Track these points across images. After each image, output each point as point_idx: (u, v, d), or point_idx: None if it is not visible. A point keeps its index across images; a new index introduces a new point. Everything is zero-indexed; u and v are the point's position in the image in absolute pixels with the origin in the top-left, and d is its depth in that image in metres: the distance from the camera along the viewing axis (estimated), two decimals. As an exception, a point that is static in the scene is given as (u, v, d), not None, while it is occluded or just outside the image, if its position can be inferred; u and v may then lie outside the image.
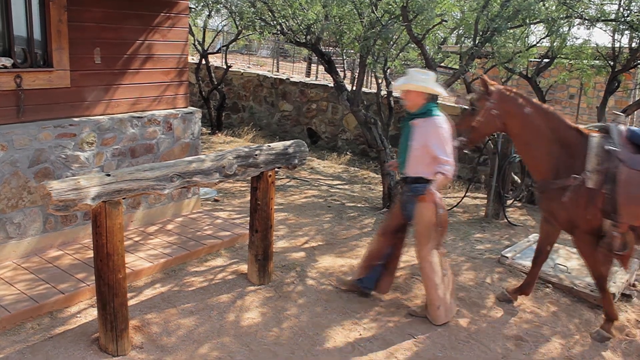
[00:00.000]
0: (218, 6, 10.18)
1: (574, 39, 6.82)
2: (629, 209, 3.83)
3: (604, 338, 4.16)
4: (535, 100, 4.26)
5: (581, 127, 4.17)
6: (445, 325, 4.22)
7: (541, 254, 4.52)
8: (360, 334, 4.06)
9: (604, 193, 3.88)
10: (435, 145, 3.92)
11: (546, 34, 6.79)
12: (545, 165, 4.11)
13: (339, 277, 4.71)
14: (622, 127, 4.00)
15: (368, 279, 4.49)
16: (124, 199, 3.50)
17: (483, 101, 4.12)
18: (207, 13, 10.75)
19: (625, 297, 4.80)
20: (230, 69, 11.57)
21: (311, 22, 7.35)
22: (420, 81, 4.00)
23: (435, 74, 4.37)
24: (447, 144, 3.94)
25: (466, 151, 4.33)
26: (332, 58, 7.61)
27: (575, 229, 4.09)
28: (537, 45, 7.10)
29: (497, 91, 4.11)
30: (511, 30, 6.44)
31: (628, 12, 6.13)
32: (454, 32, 7.84)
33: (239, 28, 10.41)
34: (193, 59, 12.47)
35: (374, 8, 6.53)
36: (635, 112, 7.64)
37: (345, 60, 8.09)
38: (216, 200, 6.92)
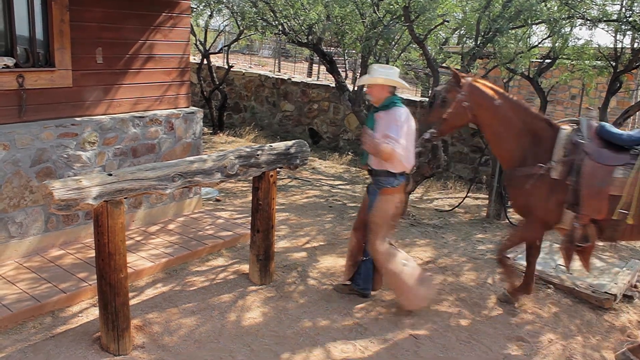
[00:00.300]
0: (220, 6, 10.18)
1: (576, 40, 6.81)
2: (591, 202, 3.87)
3: (508, 299, 4.57)
4: (505, 92, 4.31)
5: (552, 119, 4.26)
6: (447, 325, 4.22)
7: (532, 250, 4.56)
8: (362, 334, 4.05)
9: (567, 184, 3.95)
10: (390, 129, 3.98)
11: (548, 34, 6.78)
12: (514, 155, 4.17)
13: (337, 285, 4.71)
14: (593, 122, 4.05)
15: (364, 281, 4.50)
16: (125, 198, 3.50)
17: (454, 93, 4.16)
18: (209, 13, 10.75)
19: (627, 298, 4.79)
20: (231, 69, 11.58)
21: (313, 22, 7.35)
22: (383, 75, 4.10)
23: (398, 68, 4.46)
24: (402, 130, 3.98)
25: (435, 142, 4.44)
26: (334, 58, 7.62)
27: (530, 215, 4.19)
28: (539, 45, 7.09)
29: (468, 83, 4.16)
30: (513, 31, 6.44)
31: (630, 12, 6.11)
32: (456, 32, 7.84)
33: (241, 28, 10.42)
34: (195, 59, 12.47)
35: (375, 8, 6.53)
36: (637, 112, 7.62)
37: (346, 61, 8.10)
38: (218, 200, 6.93)
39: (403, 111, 4.07)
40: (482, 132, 4.36)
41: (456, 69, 4.25)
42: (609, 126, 4.03)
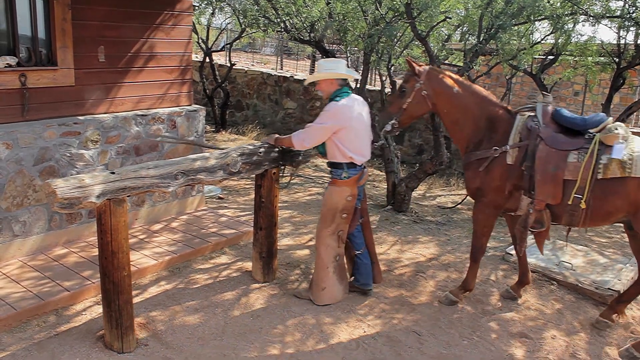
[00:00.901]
0: (222, 4, 10.18)
1: (579, 36, 6.80)
2: (545, 187, 3.85)
3: (452, 301, 4.46)
4: (464, 79, 4.30)
5: (510, 106, 4.27)
6: (450, 322, 4.22)
7: None
8: (365, 331, 4.06)
9: (522, 170, 3.95)
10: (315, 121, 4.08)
11: (551, 30, 6.76)
12: (471, 141, 4.17)
13: None
14: (549, 107, 4.04)
15: (363, 277, 4.51)
16: (128, 196, 3.50)
17: (412, 82, 4.15)
18: (211, 11, 10.76)
19: (631, 294, 4.78)
20: (234, 67, 11.58)
21: (315, 19, 7.35)
22: (326, 70, 4.12)
23: (344, 60, 4.45)
24: (322, 119, 4.03)
25: (397, 133, 4.43)
26: (336, 56, 7.61)
27: (482, 198, 4.17)
28: (542, 42, 7.07)
29: (426, 72, 4.14)
30: (515, 27, 6.41)
31: (634, 8, 6.09)
32: (458, 29, 7.82)
33: (243, 26, 10.42)
34: (197, 57, 12.48)
35: (378, 5, 6.52)
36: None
37: (349, 58, 8.11)
38: (220, 198, 6.93)
39: (334, 104, 4.06)
40: (441, 120, 4.35)
41: (411, 58, 4.24)
42: (564, 111, 4.02)
